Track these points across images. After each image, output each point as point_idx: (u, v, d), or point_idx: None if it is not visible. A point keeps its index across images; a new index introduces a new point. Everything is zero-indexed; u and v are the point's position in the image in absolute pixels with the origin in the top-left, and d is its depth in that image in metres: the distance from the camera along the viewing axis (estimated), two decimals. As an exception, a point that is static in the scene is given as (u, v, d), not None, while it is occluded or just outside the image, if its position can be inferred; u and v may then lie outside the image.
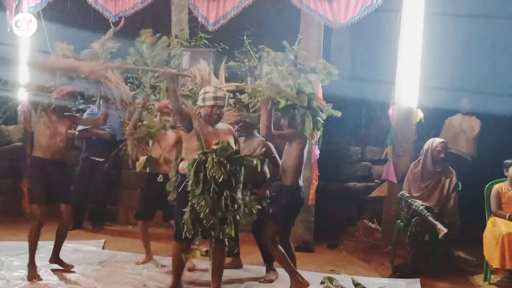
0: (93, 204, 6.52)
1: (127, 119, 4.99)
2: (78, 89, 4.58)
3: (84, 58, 4.45)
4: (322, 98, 5.59)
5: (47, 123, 4.41)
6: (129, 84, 5.80)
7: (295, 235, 5.78)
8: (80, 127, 6.29)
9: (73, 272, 4.65)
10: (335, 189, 6.38)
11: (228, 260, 4.65)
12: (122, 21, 6.29)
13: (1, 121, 7.42)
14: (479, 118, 6.74)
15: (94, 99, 5.48)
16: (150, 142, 5.02)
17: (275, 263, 4.56)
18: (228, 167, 3.68)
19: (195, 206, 3.69)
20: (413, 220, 4.93)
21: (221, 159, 3.69)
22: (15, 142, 7.16)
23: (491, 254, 4.68)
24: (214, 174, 3.65)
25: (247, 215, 3.91)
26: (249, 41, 5.72)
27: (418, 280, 4.77)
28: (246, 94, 4.61)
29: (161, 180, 4.87)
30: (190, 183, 3.75)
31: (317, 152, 5.77)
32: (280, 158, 4.40)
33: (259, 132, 4.64)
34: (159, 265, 4.95)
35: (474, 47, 7.69)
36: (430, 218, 4.86)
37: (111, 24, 6.35)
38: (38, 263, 4.77)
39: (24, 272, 4.55)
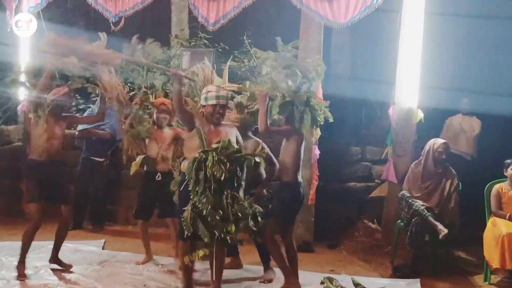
0: (93, 204, 6.52)
1: (123, 118, 4.96)
2: (74, 88, 4.58)
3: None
4: (322, 98, 5.60)
5: (44, 126, 4.38)
6: (129, 84, 5.80)
7: (295, 235, 5.74)
8: (80, 127, 6.29)
9: (72, 272, 4.64)
10: (335, 189, 6.38)
11: (227, 260, 4.65)
12: (122, 21, 6.29)
13: (1, 121, 7.42)
14: (479, 118, 6.74)
15: (94, 99, 5.49)
16: (147, 141, 4.98)
17: (272, 262, 4.56)
18: (228, 165, 3.68)
19: (197, 204, 3.69)
20: (413, 220, 4.93)
21: (222, 157, 3.69)
22: (15, 142, 7.16)
23: (491, 254, 4.68)
24: (215, 173, 3.65)
25: (251, 219, 3.88)
26: (249, 41, 5.72)
27: (418, 280, 4.77)
28: (244, 94, 4.61)
29: (160, 178, 4.86)
30: (191, 181, 3.76)
31: (317, 152, 5.78)
32: (277, 155, 4.42)
33: (253, 134, 4.66)
34: (159, 265, 4.95)
35: (474, 47, 7.69)
36: (431, 219, 4.86)
37: (111, 24, 6.36)
38: (38, 263, 4.80)
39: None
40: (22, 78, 4.59)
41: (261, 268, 4.74)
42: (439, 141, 5.18)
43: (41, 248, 5.17)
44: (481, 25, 7.31)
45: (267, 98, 4.18)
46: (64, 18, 7.53)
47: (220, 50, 7.10)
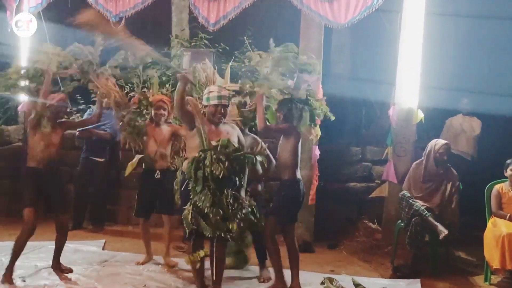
0: (93, 204, 6.52)
1: (120, 118, 4.94)
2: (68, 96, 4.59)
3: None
4: (323, 99, 5.60)
5: (41, 135, 4.37)
6: (129, 85, 5.80)
7: (295, 235, 5.78)
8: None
9: (71, 272, 4.64)
10: (335, 189, 6.38)
11: (228, 260, 4.65)
12: (123, 22, 6.29)
13: (1, 121, 7.42)
14: (480, 118, 6.74)
15: (94, 99, 5.48)
16: (145, 138, 4.96)
17: (268, 262, 4.56)
18: (227, 164, 3.68)
19: (197, 203, 3.69)
20: (413, 220, 4.93)
21: (221, 156, 3.69)
22: (15, 143, 7.16)
23: (492, 254, 4.68)
24: (213, 171, 3.65)
25: (254, 219, 3.87)
26: (250, 41, 5.72)
27: (418, 280, 4.77)
28: (245, 94, 4.61)
29: (159, 176, 4.86)
30: (190, 180, 3.76)
31: (317, 152, 5.78)
32: (274, 154, 4.44)
33: (249, 130, 4.67)
34: (159, 265, 4.95)
35: (474, 47, 7.69)
36: (431, 219, 4.86)
37: (112, 25, 6.35)
38: (38, 263, 4.80)
39: (24, 272, 4.56)
40: (22, 82, 4.59)
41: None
42: (440, 141, 5.18)
43: (41, 248, 5.17)
44: (481, 25, 7.31)
45: (264, 97, 4.21)
46: (65, 19, 7.51)
47: (220, 50, 7.11)
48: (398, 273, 5.01)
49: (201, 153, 3.77)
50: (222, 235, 3.72)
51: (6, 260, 4.75)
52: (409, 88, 5.56)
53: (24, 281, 4.39)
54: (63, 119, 4.67)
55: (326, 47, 6.01)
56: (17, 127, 7.29)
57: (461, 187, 5.22)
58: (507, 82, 7.21)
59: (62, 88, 4.52)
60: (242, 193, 3.85)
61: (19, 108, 6.83)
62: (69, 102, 6.87)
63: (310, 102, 4.31)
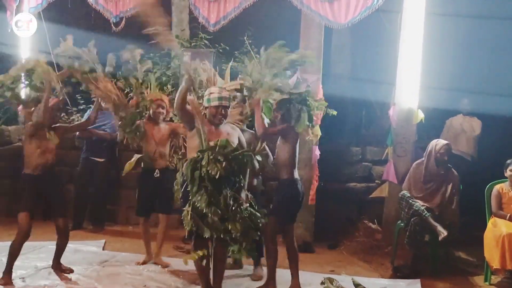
0: (93, 204, 6.52)
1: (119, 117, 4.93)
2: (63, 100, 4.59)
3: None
4: (323, 98, 5.60)
5: (37, 142, 4.35)
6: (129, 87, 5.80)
7: (295, 235, 5.78)
8: (80, 127, 6.28)
9: (72, 272, 4.65)
10: (335, 189, 6.38)
11: (228, 260, 4.66)
12: (123, 22, 6.30)
13: (1, 122, 7.42)
14: (480, 118, 6.74)
15: (94, 99, 5.48)
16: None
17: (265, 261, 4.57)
18: (225, 164, 3.66)
19: (196, 204, 3.69)
20: (412, 220, 4.93)
21: (218, 156, 3.68)
22: (16, 143, 7.16)
23: (492, 254, 4.68)
24: (209, 171, 3.64)
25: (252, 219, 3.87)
26: (250, 41, 5.72)
27: (418, 280, 4.77)
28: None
29: (158, 175, 4.86)
30: (188, 181, 3.76)
31: (317, 152, 5.78)
32: (272, 153, 4.46)
33: (247, 127, 4.67)
34: (159, 265, 4.95)
35: (474, 47, 7.69)
36: (430, 219, 4.86)
37: (112, 25, 6.36)
38: (38, 263, 4.81)
39: (24, 272, 4.56)
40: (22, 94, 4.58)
41: (265, 268, 4.74)
42: (441, 142, 5.17)
43: (41, 248, 5.17)
44: (481, 25, 7.31)
45: (260, 101, 4.21)
46: (65, 19, 7.52)
47: (220, 50, 7.10)
48: (398, 273, 5.01)
49: (199, 153, 3.76)
50: (221, 236, 3.72)
51: (6, 260, 4.76)
52: (409, 88, 5.56)
53: (24, 281, 4.39)
54: (58, 124, 4.65)
55: (326, 47, 6.01)
56: (17, 127, 7.29)
57: (461, 187, 5.22)
58: (507, 82, 7.21)
59: (56, 93, 4.50)
60: (243, 194, 3.83)
61: (20, 108, 6.82)
62: (69, 102, 6.93)
63: (308, 103, 4.31)
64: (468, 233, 5.59)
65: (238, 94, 4.46)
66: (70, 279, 4.51)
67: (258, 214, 3.88)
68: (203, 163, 3.68)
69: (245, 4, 5.84)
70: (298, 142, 4.37)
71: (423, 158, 5.20)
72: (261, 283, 4.47)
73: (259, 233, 3.90)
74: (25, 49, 6.95)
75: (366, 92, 7.40)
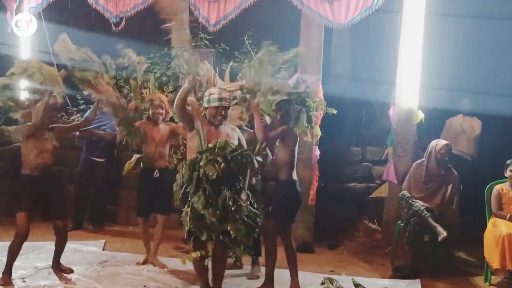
0: (93, 205, 6.53)
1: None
2: (59, 100, 4.56)
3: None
4: (322, 99, 5.60)
5: (34, 142, 4.35)
6: (128, 87, 5.80)
7: (295, 235, 5.77)
8: (80, 128, 6.28)
9: (72, 272, 4.64)
10: (335, 189, 6.38)
11: (228, 260, 4.66)
12: (123, 22, 6.30)
13: (2, 122, 7.42)
14: (480, 118, 6.74)
15: (94, 99, 5.48)
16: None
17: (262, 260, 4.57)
18: (223, 165, 3.65)
19: (194, 205, 3.69)
20: (411, 220, 4.93)
21: (217, 157, 3.67)
22: (16, 143, 7.16)
23: (492, 254, 4.68)
24: (206, 172, 3.64)
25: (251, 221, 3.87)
26: (250, 41, 5.72)
27: (418, 281, 4.77)
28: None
29: (158, 175, 4.86)
30: (186, 182, 3.76)
31: (317, 152, 5.79)
32: (272, 153, 4.47)
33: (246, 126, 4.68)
34: (161, 265, 4.95)
35: (474, 47, 7.69)
36: (430, 220, 4.86)
37: (112, 25, 6.36)
38: (38, 263, 4.81)
39: (24, 272, 4.56)
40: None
41: (261, 268, 4.74)
42: (442, 142, 5.17)
43: (41, 249, 5.17)
44: (481, 25, 7.31)
45: (259, 106, 4.21)
46: (65, 19, 7.52)
47: (220, 50, 7.10)
48: (398, 274, 5.01)
49: (198, 155, 3.76)
50: (220, 237, 3.71)
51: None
52: (409, 88, 5.56)
53: (24, 281, 4.39)
54: (56, 124, 4.65)
55: (326, 47, 6.01)
56: (17, 127, 7.27)
57: (461, 187, 5.22)
58: (507, 82, 7.21)
59: (54, 93, 4.49)
60: (243, 195, 3.82)
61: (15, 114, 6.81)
62: (69, 102, 6.93)
63: (307, 104, 4.31)
64: (468, 233, 5.59)
65: (239, 92, 4.47)
66: (70, 279, 4.50)
67: (258, 212, 3.89)
68: (201, 164, 3.68)
69: (245, 4, 5.84)
70: (297, 144, 4.37)
71: (423, 158, 5.20)
72: (259, 282, 4.47)
73: (257, 230, 3.89)
74: (25, 49, 6.95)
75: (366, 92, 7.40)
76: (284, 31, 6.19)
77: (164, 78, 6.78)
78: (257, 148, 4.09)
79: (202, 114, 4.07)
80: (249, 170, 3.89)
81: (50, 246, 4.78)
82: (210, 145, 3.78)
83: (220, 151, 3.71)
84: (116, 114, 4.76)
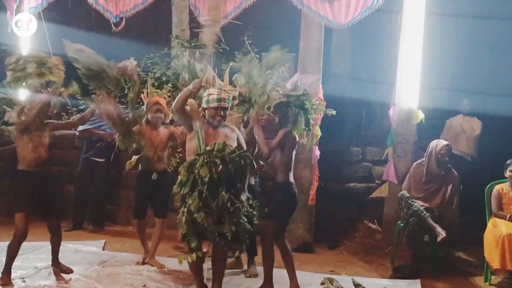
0: (93, 205, 6.53)
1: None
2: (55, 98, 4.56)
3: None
4: (322, 98, 5.61)
5: (29, 137, 4.34)
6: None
7: (295, 235, 5.79)
8: (80, 128, 6.29)
9: (71, 272, 4.64)
10: (335, 189, 6.38)
11: (228, 260, 4.66)
12: (123, 22, 6.30)
13: (1, 122, 7.42)
14: (480, 118, 6.75)
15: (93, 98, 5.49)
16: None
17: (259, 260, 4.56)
18: (221, 167, 3.63)
19: (190, 207, 3.68)
20: (411, 220, 4.93)
21: (215, 159, 3.66)
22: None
23: (492, 255, 4.68)
24: (201, 174, 3.63)
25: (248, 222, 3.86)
26: (250, 41, 5.72)
27: (418, 281, 4.77)
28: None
29: (156, 178, 4.86)
30: (183, 183, 3.75)
31: (317, 152, 5.79)
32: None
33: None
34: (159, 265, 4.95)
35: (474, 47, 7.70)
36: (429, 220, 4.86)
37: (112, 25, 6.36)
38: (38, 263, 4.81)
39: (24, 272, 4.56)
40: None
41: (261, 268, 4.74)
42: (442, 142, 5.16)
43: (41, 249, 5.17)
44: (481, 25, 7.32)
45: (259, 118, 4.22)
46: (65, 19, 7.52)
47: (220, 50, 7.10)
48: (398, 274, 5.01)
49: (196, 156, 3.75)
50: (216, 239, 3.70)
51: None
52: (409, 88, 5.56)
53: (24, 281, 4.39)
54: (50, 120, 4.64)
55: (326, 47, 6.01)
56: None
57: (461, 187, 5.22)
58: (507, 82, 7.21)
59: (49, 89, 4.49)
60: (243, 197, 3.81)
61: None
62: (69, 102, 6.92)
63: (306, 106, 4.30)
64: (468, 233, 5.59)
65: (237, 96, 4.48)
66: (70, 279, 4.50)
67: (255, 213, 3.88)
68: (197, 166, 3.67)
69: (245, 4, 5.84)
70: (296, 147, 4.36)
71: (423, 159, 5.20)
72: (259, 281, 4.47)
73: (251, 231, 3.89)
74: (25, 49, 6.94)
75: (366, 92, 7.40)
76: (284, 31, 6.19)
77: (164, 78, 6.78)
78: (256, 151, 4.09)
79: (201, 114, 4.06)
80: (248, 172, 3.88)
81: (50, 246, 4.78)
82: (208, 147, 3.77)
83: (218, 153, 3.69)
84: (116, 128, 4.76)
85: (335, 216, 6.25)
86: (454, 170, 5.17)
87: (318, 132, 5.61)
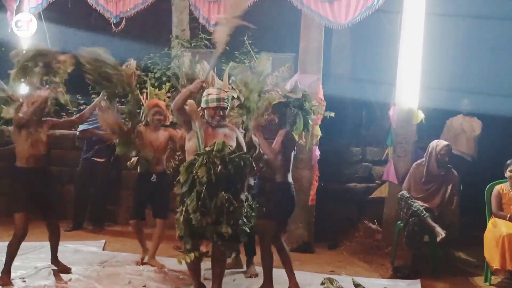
0: (93, 205, 6.53)
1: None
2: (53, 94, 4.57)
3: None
4: (323, 99, 5.61)
5: (27, 133, 4.35)
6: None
7: (295, 235, 5.80)
8: (80, 128, 6.29)
9: (71, 272, 4.64)
10: (335, 189, 6.38)
11: (228, 260, 4.66)
12: (123, 22, 6.30)
13: (2, 122, 7.42)
14: (480, 118, 6.74)
15: (93, 98, 5.50)
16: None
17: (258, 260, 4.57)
18: (220, 168, 3.63)
19: (188, 207, 3.68)
20: (410, 220, 4.93)
21: (215, 159, 3.65)
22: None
23: (492, 255, 4.68)
24: (199, 175, 3.63)
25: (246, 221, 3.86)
26: (250, 42, 5.73)
27: (418, 281, 4.77)
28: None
29: (155, 180, 4.86)
30: (183, 184, 3.76)
31: (317, 152, 5.79)
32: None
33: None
34: (159, 266, 4.95)
35: (474, 47, 7.70)
36: (429, 220, 4.85)
37: (112, 25, 6.36)
38: (38, 263, 4.80)
39: (24, 272, 4.56)
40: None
41: (261, 268, 4.74)
42: (442, 143, 5.16)
43: (41, 249, 5.17)
44: (481, 25, 7.32)
45: (259, 127, 4.22)
46: (65, 19, 7.53)
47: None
48: (398, 274, 5.01)
49: (195, 156, 3.75)
50: (214, 238, 3.70)
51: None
52: (409, 88, 5.56)
53: (24, 281, 4.39)
54: (48, 118, 4.65)
55: (326, 47, 6.01)
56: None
57: (461, 187, 5.22)
58: (507, 82, 7.22)
59: (47, 86, 4.50)
60: (242, 197, 3.80)
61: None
62: (69, 102, 6.91)
63: (305, 107, 4.30)
64: (468, 233, 5.59)
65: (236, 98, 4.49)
66: (70, 279, 4.50)
67: (253, 214, 3.88)
68: (195, 166, 3.67)
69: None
70: (295, 147, 4.36)
71: (423, 159, 5.20)
72: (259, 281, 4.47)
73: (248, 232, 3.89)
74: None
75: (366, 93, 7.40)
76: (284, 31, 6.20)
77: (164, 78, 6.79)
78: (256, 153, 4.09)
79: (200, 114, 4.06)
80: (247, 172, 3.88)
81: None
82: (208, 148, 3.77)
83: (217, 153, 3.69)
84: (115, 135, 4.77)
85: (335, 216, 6.25)
86: (454, 170, 5.17)
87: (318, 132, 5.62)
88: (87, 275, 4.63)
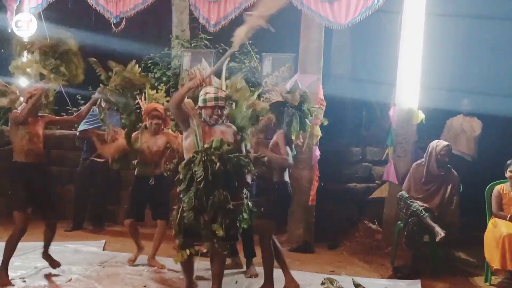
0: (93, 205, 6.53)
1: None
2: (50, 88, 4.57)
3: None
4: (323, 99, 5.61)
5: (24, 128, 4.34)
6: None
7: (295, 235, 5.80)
8: (80, 128, 6.29)
9: (59, 266, 4.66)
10: (335, 189, 6.38)
11: (228, 260, 4.65)
12: (123, 22, 6.30)
13: (2, 122, 7.42)
14: (480, 118, 6.74)
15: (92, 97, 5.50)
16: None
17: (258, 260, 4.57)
18: (218, 166, 3.61)
19: (184, 205, 3.68)
20: (410, 220, 4.93)
21: (213, 157, 3.65)
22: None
23: (492, 255, 4.67)
24: (197, 173, 3.63)
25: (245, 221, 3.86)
26: (250, 42, 5.73)
27: (418, 281, 4.76)
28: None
29: (153, 183, 4.86)
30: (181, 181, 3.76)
31: (318, 153, 5.79)
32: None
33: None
34: (160, 266, 4.95)
35: (474, 47, 7.70)
36: (428, 220, 4.85)
37: (112, 25, 6.36)
38: (38, 263, 4.80)
39: (24, 272, 4.56)
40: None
41: (261, 268, 4.73)
42: (442, 143, 5.16)
43: (41, 249, 5.16)
44: (481, 25, 7.33)
45: (259, 143, 4.22)
46: (65, 19, 7.53)
47: (220, 51, 7.11)
48: (398, 274, 5.01)
49: (194, 154, 3.75)
50: (210, 238, 3.70)
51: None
52: (409, 88, 5.56)
53: (24, 281, 4.39)
54: (45, 114, 4.65)
55: (326, 47, 6.02)
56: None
57: (461, 187, 5.22)
58: (507, 82, 7.22)
59: (43, 80, 4.49)
60: (240, 196, 3.78)
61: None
62: (69, 102, 6.91)
63: (302, 108, 4.29)
64: (468, 233, 5.59)
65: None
66: (70, 279, 4.49)
67: (252, 214, 3.88)
68: (193, 165, 3.67)
69: (245, 4, 5.84)
70: (293, 147, 4.36)
71: (423, 159, 5.19)
72: (259, 281, 4.47)
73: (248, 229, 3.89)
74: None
75: (366, 93, 7.41)
76: (284, 31, 6.18)
77: (164, 78, 6.79)
78: (256, 155, 4.09)
79: (197, 112, 4.05)
80: (245, 171, 3.87)
81: (51, 246, 4.78)
82: (206, 145, 3.77)
83: (215, 150, 3.68)
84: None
85: (335, 216, 6.25)
86: (454, 171, 5.17)
87: (318, 132, 5.62)
88: (87, 275, 4.63)
